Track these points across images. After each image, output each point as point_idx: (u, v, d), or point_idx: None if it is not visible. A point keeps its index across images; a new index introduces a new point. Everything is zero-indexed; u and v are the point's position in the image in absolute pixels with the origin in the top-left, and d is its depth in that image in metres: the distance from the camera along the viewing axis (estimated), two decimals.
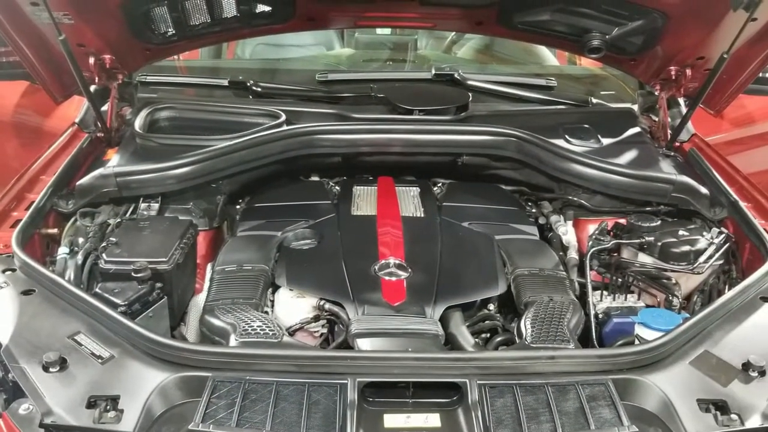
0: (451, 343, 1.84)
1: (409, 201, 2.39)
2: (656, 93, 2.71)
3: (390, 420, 1.49)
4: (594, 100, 2.85)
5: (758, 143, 3.50)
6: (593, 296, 2.05)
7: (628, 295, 2.07)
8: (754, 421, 1.48)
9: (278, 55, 3.64)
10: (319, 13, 2.54)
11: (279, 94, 2.78)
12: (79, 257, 1.99)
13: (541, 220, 2.45)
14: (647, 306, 2.02)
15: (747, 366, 1.59)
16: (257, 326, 1.74)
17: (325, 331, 1.98)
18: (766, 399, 1.52)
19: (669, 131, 2.63)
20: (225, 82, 2.83)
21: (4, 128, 3.26)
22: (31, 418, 1.44)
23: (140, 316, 1.84)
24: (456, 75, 2.82)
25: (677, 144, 2.63)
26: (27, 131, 3.22)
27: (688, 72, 2.52)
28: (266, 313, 1.89)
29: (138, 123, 2.50)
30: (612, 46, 2.48)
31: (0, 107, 3.25)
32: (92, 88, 2.53)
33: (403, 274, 1.97)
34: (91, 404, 1.48)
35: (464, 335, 1.86)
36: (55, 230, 2.14)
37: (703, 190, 2.29)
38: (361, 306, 1.86)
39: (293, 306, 1.96)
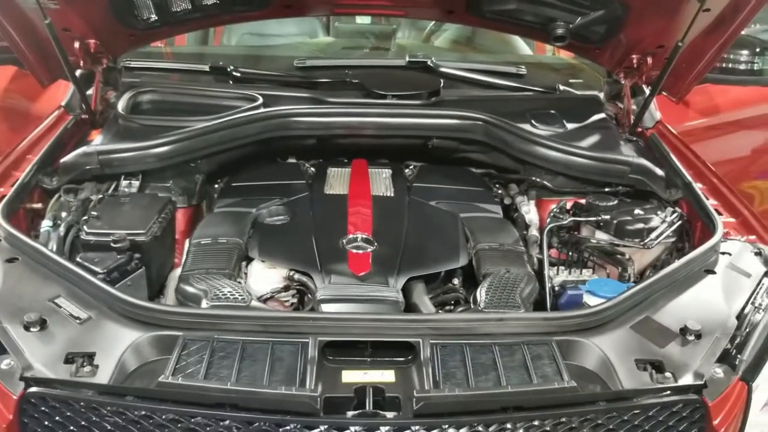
0: (413, 311, 1.95)
1: (381, 182, 2.49)
2: (621, 81, 2.81)
3: (348, 375, 1.58)
4: (562, 88, 2.95)
5: (730, 130, 3.61)
6: (550, 270, 2.16)
7: (584, 270, 2.19)
8: (686, 379, 1.59)
9: (262, 44, 3.74)
10: (295, 0, 2.64)
11: (258, 79, 2.87)
12: (62, 229, 2.08)
13: (507, 201, 2.55)
14: None
15: (684, 330, 1.69)
16: (227, 291, 1.84)
17: (295, 301, 2.08)
18: (700, 359, 1.63)
19: (632, 117, 2.74)
20: (206, 68, 2.92)
21: None
22: (12, 372, 1.53)
23: (119, 284, 1.93)
24: (429, 62, 2.91)
25: (640, 129, 2.74)
26: (15, 115, 3.31)
27: (649, 60, 2.62)
28: (239, 283, 1.99)
29: (121, 105, 2.59)
30: (576, 35, 2.58)
31: None
32: (78, 72, 2.62)
33: (369, 248, 2.07)
34: (69, 360, 1.57)
35: (425, 304, 1.96)
36: (40, 205, 2.24)
37: (659, 171, 2.40)
38: (328, 276, 1.96)
39: (265, 276, 2.06)
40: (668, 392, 1.57)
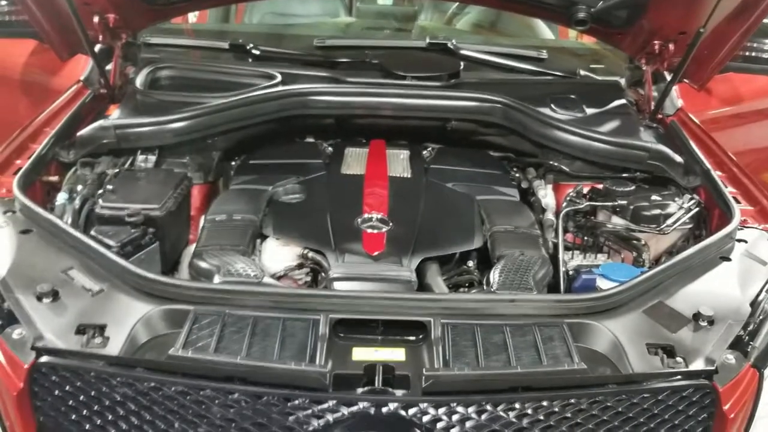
0: (426, 291, 1.94)
1: (398, 163, 2.48)
2: (642, 67, 2.78)
3: (358, 353, 1.58)
4: (582, 73, 2.92)
5: (754, 119, 3.56)
6: (565, 254, 2.14)
7: (599, 255, 2.17)
8: (698, 365, 1.57)
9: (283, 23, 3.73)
10: None
11: (277, 58, 2.86)
12: (77, 202, 2.09)
13: (524, 185, 2.54)
14: None
15: (697, 316, 1.67)
16: (240, 267, 1.84)
17: (308, 279, 2.08)
18: (712, 345, 1.61)
19: (653, 104, 2.71)
20: (226, 45, 2.92)
21: (14, 86, 3.37)
22: (24, 341, 1.54)
23: (132, 258, 1.94)
24: (449, 44, 2.89)
25: (660, 116, 2.71)
26: (35, 89, 3.33)
27: (671, 46, 2.58)
28: (253, 260, 1.99)
29: (139, 80, 2.60)
30: (598, 19, 2.55)
31: (10, 65, 3.36)
32: (97, 47, 2.63)
33: (384, 228, 2.06)
34: (80, 331, 1.58)
35: (439, 285, 1.96)
36: (56, 178, 2.25)
37: (678, 158, 2.37)
38: (342, 255, 1.96)
39: (278, 254, 2.06)
40: (679, 377, 1.55)
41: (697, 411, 1.54)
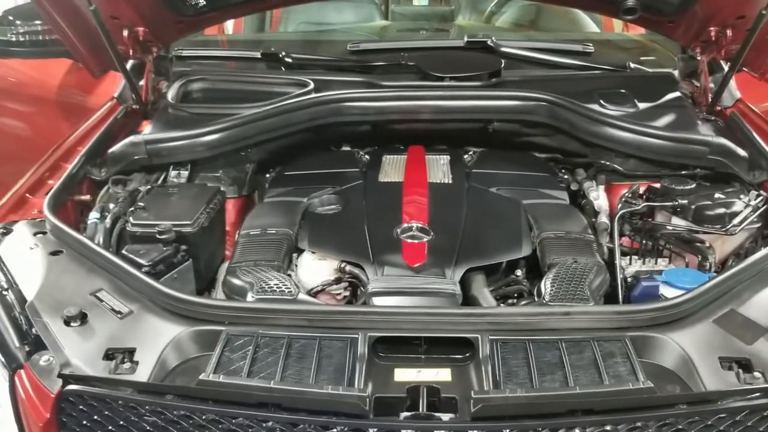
0: (471, 305, 1.82)
1: (438, 168, 2.37)
2: (697, 57, 2.61)
3: (400, 374, 1.48)
4: (632, 65, 2.77)
5: None
6: (622, 260, 2.00)
7: (660, 260, 2.02)
8: None
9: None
10: None
11: (310, 65, 2.78)
12: (108, 221, 2.03)
13: (574, 186, 2.40)
14: None
15: None
16: (274, 284, 1.75)
17: (347, 294, 1.98)
18: None
19: (710, 95, 2.54)
20: (258, 55, 2.84)
21: (49, 105, 3.36)
22: (51, 368, 1.49)
23: (164, 277, 1.87)
24: (489, 42, 2.77)
25: (719, 108, 2.55)
26: (71, 108, 3.31)
27: (729, 33, 2.41)
28: (289, 275, 1.90)
29: (171, 94, 2.54)
30: (648, 7, 2.39)
31: (45, 85, 3.35)
32: (130, 63, 2.59)
33: (425, 237, 1.95)
34: (108, 356, 1.52)
35: (486, 297, 1.84)
36: (89, 197, 2.20)
37: (742, 152, 2.20)
38: (381, 267, 1.86)
39: (315, 268, 1.97)
40: (757, 394, 1.41)
41: None
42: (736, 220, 1.99)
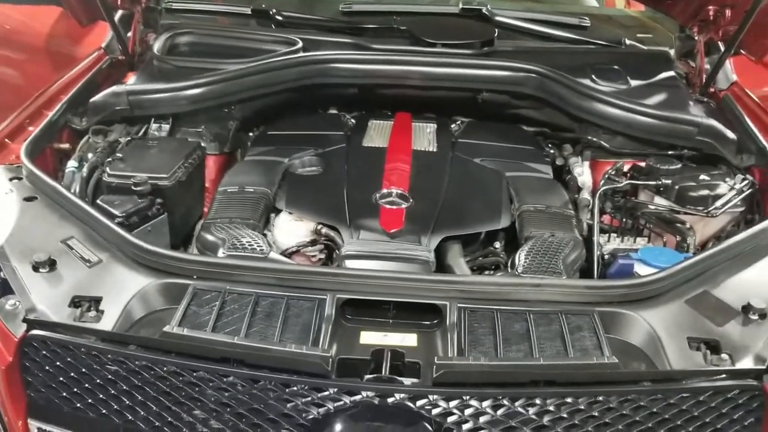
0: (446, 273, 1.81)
1: (424, 136, 2.34)
2: (695, 37, 2.58)
3: (366, 337, 1.47)
4: (628, 42, 2.73)
5: None
6: (601, 237, 1.98)
7: (639, 239, 2.00)
8: (745, 363, 1.41)
9: None
10: None
11: (301, 24, 2.72)
12: (85, 170, 2.02)
13: (559, 161, 2.37)
14: None
15: (747, 309, 1.51)
16: (246, 242, 1.73)
17: (323, 256, 1.96)
18: (763, 341, 1.44)
19: (704, 76, 2.51)
20: (248, 11, 2.79)
21: (39, 53, 3.30)
22: (16, 313, 1.48)
23: (138, 229, 1.85)
24: (484, 10, 2.72)
25: (713, 90, 2.51)
26: (59, 57, 3.25)
27: (728, 13, 2.38)
28: (264, 235, 1.88)
29: (157, 46, 2.50)
30: None
31: (33, 32, 3.29)
32: (118, 14, 2.55)
33: (404, 204, 1.93)
34: (74, 304, 1.51)
35: (460, 266, 1.82)
36: (68, 146, 2.18)
37: (730, 134, 2.18)
38: (357, 231, 1.84)
39: (291, 229, 1.94)
40: (723, 376, 1.40)
41: (743, 415, 1.39)
42: (718, 203, 1.97)
